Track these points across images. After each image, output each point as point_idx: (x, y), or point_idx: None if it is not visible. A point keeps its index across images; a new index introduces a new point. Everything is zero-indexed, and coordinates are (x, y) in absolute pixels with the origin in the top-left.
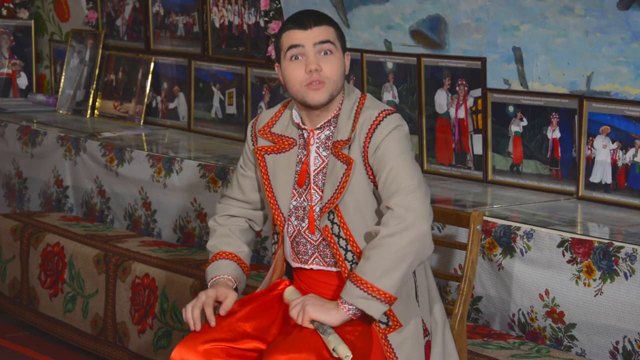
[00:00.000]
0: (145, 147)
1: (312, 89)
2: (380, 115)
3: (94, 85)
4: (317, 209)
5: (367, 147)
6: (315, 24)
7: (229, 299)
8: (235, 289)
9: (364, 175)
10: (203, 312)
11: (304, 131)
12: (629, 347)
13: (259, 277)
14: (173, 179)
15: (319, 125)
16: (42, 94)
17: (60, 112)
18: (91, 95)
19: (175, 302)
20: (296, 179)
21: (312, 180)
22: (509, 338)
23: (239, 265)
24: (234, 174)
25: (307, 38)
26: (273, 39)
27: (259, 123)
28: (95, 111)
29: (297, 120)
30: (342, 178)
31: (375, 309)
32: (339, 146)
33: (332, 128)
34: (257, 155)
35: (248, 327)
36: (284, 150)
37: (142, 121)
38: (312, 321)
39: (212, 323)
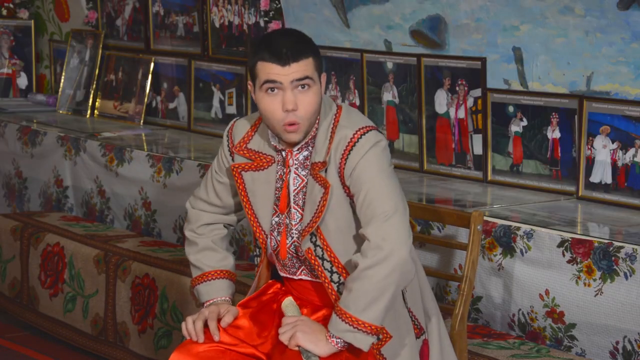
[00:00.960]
0: (145, 147)
1: (288, 131)
2: (355, 136)
3: (94, 85)
4: (299, 229)
5: (343, 169)
6: (294, 59)
7: (230, 314)
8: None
9: (343, 197)
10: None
11: (282, 152)
12: (629, 347)
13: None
14: (173, 179)
15: (297, 148)
16: (42, 94)
17: (60, 112)
18: (91, 95)
19: (175, 302)
20: (277, 196)
21: (292, 200)
22: (509, 338)
23: (231, 280)
24: (208, 176)
25: (284, 74)
26: (249, 55)
27: (234, 135)
28: (95, 111)
29: (274, 142)
30: (319, 202)
31: (363, 342)
32: (317, 168)
33: (310, 148)
34: (235, 173)
35: (242, 334)
36: (262, 168)
37: (142, 121)
38: (299, 346)
39: (217, 337)
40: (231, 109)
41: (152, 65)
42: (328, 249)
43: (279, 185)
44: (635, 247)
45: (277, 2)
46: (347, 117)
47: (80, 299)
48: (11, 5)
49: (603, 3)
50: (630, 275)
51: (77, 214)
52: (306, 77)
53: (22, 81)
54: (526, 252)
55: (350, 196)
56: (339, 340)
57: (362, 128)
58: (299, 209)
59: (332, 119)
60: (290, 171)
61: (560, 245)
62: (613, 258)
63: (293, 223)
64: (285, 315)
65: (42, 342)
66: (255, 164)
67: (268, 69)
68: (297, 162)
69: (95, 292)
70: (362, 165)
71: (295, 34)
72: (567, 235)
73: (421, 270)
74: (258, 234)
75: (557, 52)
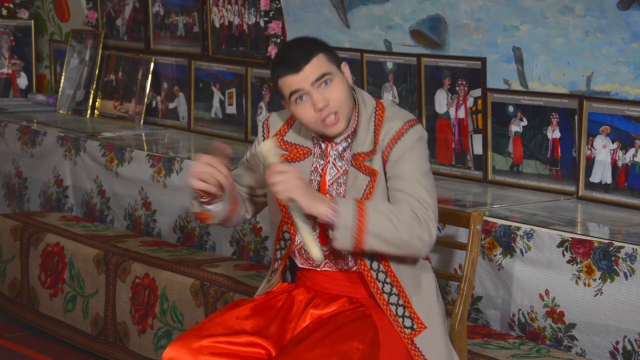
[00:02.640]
0: (145, 147)
1: (329, 125)
2: (405, 127)
3: (94, 85)
4: None
5: (387, 157)
6: (305, 62)
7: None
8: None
9: (385, 185)
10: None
11: (321, 143)
12: (629, 347)
13: (259, 277)
14: (173, 179)
15: (337, 140)
16: (42, 94)
17: (60, 112)
18: (91, 95)
19: (175, 302)
20: (313, 187)
21: (326, 191)
22: (509, 338)
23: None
24: (242, 160)
25: (302, 80)
26: (273, 39)
27: (271, 126)
28: (95, 111)
29: (315, 134)
30: (365, 190)
31: (344, 235)
32: (361, 158)
33: (349, 140)
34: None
35: (246, 325)
36: (298, 159)
37: (142, 121)
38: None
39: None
40: (231, 109)
41: (152, 65)
42: None
43: (314, 177)
44: (635, 247)
45: (277, 2)
46: (393, 111)
47: (80, 299)
48: (11, 5)
49: (603, 3)
50: (630, 275)
51: (77, 214)
52: (323, 75)
53: (22, 81)
54: (526, 252)
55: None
56: (334, 218)
57: (411, 120)
58: None
59: (373, 112)
60: (329, 162)
61: (560, 245)
62: (613, 258)
63: None
64: (268, 161)
65: (42, 342)
66: (292, 155)
67: (288, 82)
68: (336, 153)
69: (95, 292)
70: (407, 155)
71: (299, 40)
72: (567, 235)
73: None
74: (290, 226)
75: (557, 52)
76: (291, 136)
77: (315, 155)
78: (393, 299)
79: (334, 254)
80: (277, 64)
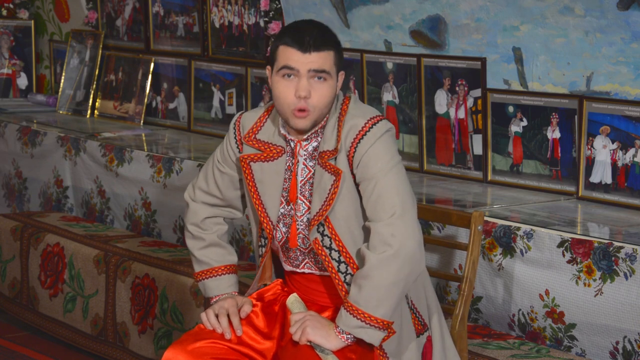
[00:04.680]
0: (145, 147)
1: (297, 116)
2: (367, 125)
3: (94, 86)
4: (305, 220)
5: (352, 157)
6: (315, 49)
7: (248, 304)
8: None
9: (352, 185)
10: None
11: (290, 142)
12: (629, 347)
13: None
14: (173, 179)
15: (305, 137)
16: (42, 94)
17: (60, 112)
18: (91, 96)
19: (175, 302)
20: (285, 186)
21: (299, 191)
22: (509, 338)
23: (236, 274)
24: (209, 166)
25: (303, 62)
26: (273, 39)
27: (242, 126)
28: (95, 111)
29: (284, 132)
30: (330, 189)
31: (374, 337)
32: (326, 157)
33: (319, 139)
34: (243, 164)
35: (244, 333)
36: (271, 159)
37: (142, 121)
38: (310, 342)
39: (240, 332)
40: (231, 109)
41: (152, 65)
42: (336, 238)
43: (287, 176)
44: (635, 247)
45: (277, 2)
46: (356, 107)
47: (80, 299)
48: (11, 6)
49: (603, 3)
50: (630, 276)
51: (77, 214)
52: (323, 71)
53: (22, 81)
54: (526, 252)
55: (358, 186)
56: (349, 335)
57: (373, 118)
58: (305, 200)
59: (339, 108)
60: (298, 162)
61: (560, 245)
62: (613, 258)
63: (299, 214)
64: (292, 312)
65: (42, 342)
66: (265, 155)
67: (288, 54)
68: (305, 153)
69: (95, 292)
70: (372, 153)
71: (321, 26)
72: (567, 236)
73: (424, 270)
74: (265, 224)
75: (557, 52)
76: (264, 134)
77: (288, 154)
78: None
79: (309, 257)
80: (288, 34)
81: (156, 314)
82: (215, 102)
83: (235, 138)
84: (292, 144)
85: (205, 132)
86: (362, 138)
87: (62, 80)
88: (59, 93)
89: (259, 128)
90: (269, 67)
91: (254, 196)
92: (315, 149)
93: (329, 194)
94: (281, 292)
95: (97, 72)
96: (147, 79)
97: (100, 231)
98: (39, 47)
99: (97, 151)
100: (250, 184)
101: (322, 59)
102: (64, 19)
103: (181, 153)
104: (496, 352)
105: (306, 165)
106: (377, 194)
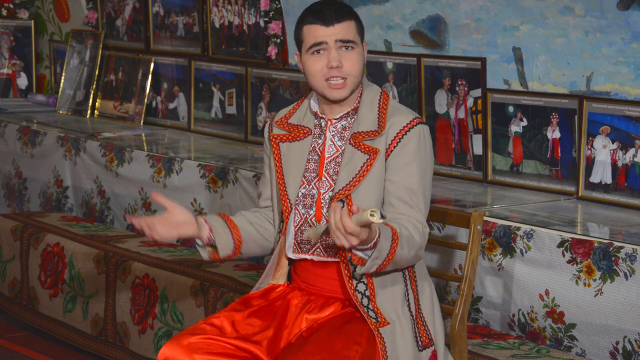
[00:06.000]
0: (145, 147)
1: (334, 88)
2: (413, 122)
3: (94, 86)
4: (327, 197)
5: (393, 147)
6: (337, 20)
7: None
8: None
9: (382, 171)
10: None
11: (321, 120)
12: (629, 347)
13: (259, 278)
14: (173, 179)
15: (337, 116)
16: (42, 94)
17: (60, 112)
18: (91, 96)
19: (175, 302)
20: (308, 167)
21: (324, 169)
22: (509, 338)
23: (228, 225)
24: (262, 176)
25: (329, 35)
26: (273, 39)
27: (277, 116)
28: (95, 111)
29: (315, 109)
30: (361, 167)
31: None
32: (361, 137)
33: (349, 119)
34: (272, 143)
35: (241, 329)
36: (298, 139)
37: (142, 121)
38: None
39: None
40: (231, 109)
41: (152, 65)
42: None
43: (311, 157)
44: (635, 247)
45: (277, 2)
46: (398, 104)
47: (80, 299)
48: (11, 6)
49: (603, 3)
50: (630, 276)
51: (77, 214)
52: (350, 41)
53: (22, 81)
54: (526, 252)
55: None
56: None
57: (418, 118)
58: (329, 178)
59: (377, 95)
60: (327, 139)
61: (560, 245)
62: (613, 258)
63: (321, 192)
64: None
65: (42, 342)
66: (292, 135)
67: (314, 32)
68: (334, 130)
69: (95, 292)
70: (411, 148)
71: (336, 1)
72: (567, 236)
73: (434, 290)
74: (283, 204)
75: (557, 52)
76: (294, 118)
77: (315, 136)
78: (361, 287)
79: (321, 242)
80: (309, 13)
81: (156, 314)
82: (215, 102)
83: (268, 128)
84: (322, 122)
85: (205, 132)
86: (406, 133)
87: (62, 80)
88: (59, 93)
89: (292, 113)
90: (296, 52)
91: (279, 175)
92: (344, 128)
93: (359, 171)
94: (286, 288)
95: (97, 72)
96: (147, 79)
97: (100, 231)
98: (39, 47)
99: (97, 151)
100: (277, 164)
101: (345, 29)
102: (64, 19)
103: (181, 153)
104: (496, 352)
105: (334, 143)
106: (409, 183)
